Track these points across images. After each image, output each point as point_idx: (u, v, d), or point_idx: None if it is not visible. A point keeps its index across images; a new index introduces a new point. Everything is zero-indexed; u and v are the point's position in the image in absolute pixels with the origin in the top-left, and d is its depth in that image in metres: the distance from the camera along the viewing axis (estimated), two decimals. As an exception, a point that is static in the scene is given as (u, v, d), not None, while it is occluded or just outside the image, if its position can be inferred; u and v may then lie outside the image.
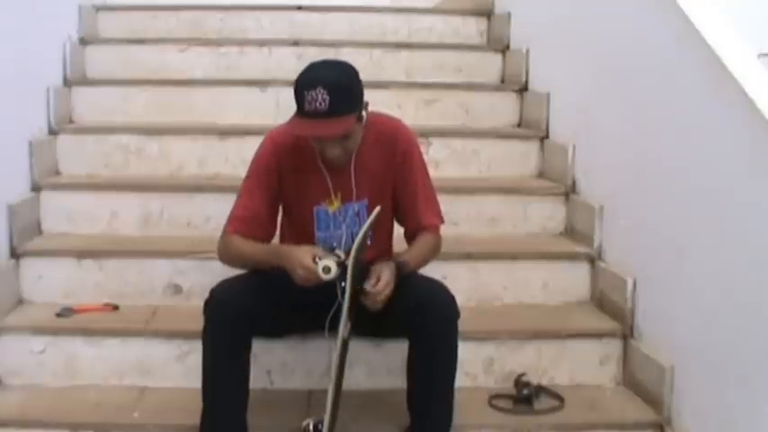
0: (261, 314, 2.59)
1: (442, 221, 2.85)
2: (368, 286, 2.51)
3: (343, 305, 2.47)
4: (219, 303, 2.57)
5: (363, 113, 2.61)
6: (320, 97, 2.45)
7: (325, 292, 2.52)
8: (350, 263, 2.44)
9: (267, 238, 2.77)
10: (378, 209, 2.57)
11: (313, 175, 2.73)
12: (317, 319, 2.67)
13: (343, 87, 2.51)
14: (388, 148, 2.75)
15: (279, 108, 3.77)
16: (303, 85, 2.51)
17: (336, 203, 2.73)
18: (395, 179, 2.77)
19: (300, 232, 2.77)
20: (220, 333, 2.55)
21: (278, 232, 2.86)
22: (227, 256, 2.77)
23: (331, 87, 2.46)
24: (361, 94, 2.60)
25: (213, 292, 2.62)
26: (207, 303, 2.59)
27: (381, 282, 2.51)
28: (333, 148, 2.59)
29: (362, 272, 2.58)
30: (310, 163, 2.71)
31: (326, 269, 2.45)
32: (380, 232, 2.79)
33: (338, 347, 2.50)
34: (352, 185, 2.72)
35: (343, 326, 2.49)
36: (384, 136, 2.76)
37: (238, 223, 2.73)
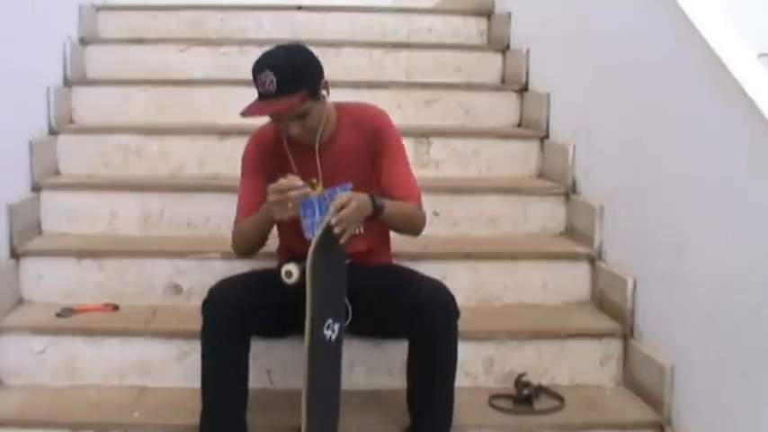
0: (259, 313, 2.59)
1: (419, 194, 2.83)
2: (333, 218, 2.49)
3: (308, 298, 2.45)
4: (217, 303, 2.58)
5: (323, 92, 2.69)
6: (268, 79, 2.60)
7: None
8: (308, 263, 2.44)
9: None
10: (338, 189, 2.58)
11: (295, 163, 2.75)
12: None
13: (288, 67, 2.61)
14: (365, 128, 2.80)
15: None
16: (254, 69, 2.66)
17: (319, 188, 2.72)
18: (375, 156, 2.77)
19: (291, 221, 2.76)
20: (219, 333, 2.55)
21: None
22: (238, 244, 2.81)
23: (276, 69, 2.60)
24: (314, 74, 2.68)
25: (211, 291, 2.62)
26: (205, 303, 2.60)
27: (346, 209, 2.48)
28: (292, 127, 2.66)
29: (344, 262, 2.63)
30: (292, 152, 2.75)
31: (288, 274, 2.48)
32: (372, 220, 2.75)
33: (306, 345, 2.47)
34: (334, 170, 2.73)
35: (308, 322, 2.46)
36: (360, 118, 2.82)
37: (242, 216, 2.78)
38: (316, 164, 2.73)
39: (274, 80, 2.59)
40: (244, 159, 2.86)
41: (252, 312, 2.57)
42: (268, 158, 2.80)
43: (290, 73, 2.60)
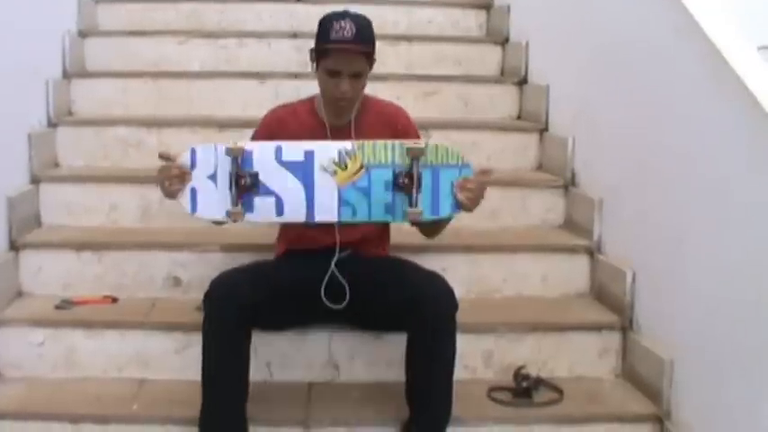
0: (260, 305, 2.60)
1: None
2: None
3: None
4: (219, 296, 2.58)
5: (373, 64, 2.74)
6: (348, 26, 2.64)
7: (323, 270, 2.64)
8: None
9: None
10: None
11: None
12: (316, 309, 2.70)
13: (367, 23, 2.71)
14: (389, 123, 2.82)
15: (278, 100, 3.73)
16: (332, 17, 2.69)
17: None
18: None
19: None
20: (220, 325, 2.56)
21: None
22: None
23: (356, 20, 2.67)
24: (374, 41, 2.73)
25: (212, 284, 2.63)
26: (206, 296, 2.60)
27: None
28: (344, 83, 2.65)
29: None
30: (310, 136, 2.71)
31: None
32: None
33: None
34: None
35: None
36: (385, 113, 2.86)
37: None
38: (350, 136, 2.72)
39: (354, 28, 2.63)
40: (258, 129, 2.85)
41: (253, 305, 2.58)
42: (288, 133, 2.74)
43: (366, 26, 2.70)
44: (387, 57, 4.41)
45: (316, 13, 4.70)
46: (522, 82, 4.35)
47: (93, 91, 4.13)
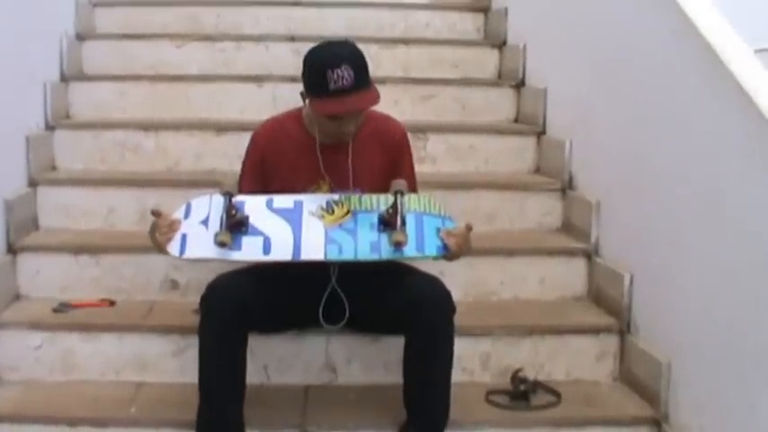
0: (257, 308, 2.59)
1: None
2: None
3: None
4: (216, 299, 2.57)
5: None
6: (345, 74, 2.51)
7: (322, 284, 2.63)
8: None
9: None
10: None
11: (303, 161, 2.74)
12: (313, 312, 2.70)
13: (363, 61, 2.59)
14: (387, 140, 2.80)
15: (275, 103, 3.77)
16: (326, 64, 2.54)
17: (325, 188, 2.72)
18: (390, 169, 2.76)
19: None
20: (216, 328, 2.55)
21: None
22: None
23: (353, 63, 2.54)
24: (368, 67, 2.65)
25: (209, 288, 2.62)
26: (203, 299, 2.60)
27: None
28: (348, 124, 2.64)
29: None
30: (300, 151, 2.73)
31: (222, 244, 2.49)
32: None
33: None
34: (349, 174, 2.72)
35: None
36: (383, 130, 2.82)
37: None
38: (347, 163, 2.72)
39: (352, 74, 2.52)
40: (245, 155, 2.84)
41: (250, 308, 2.57)
42: (267, 155, 2.77)
43: (360, 59, 2.59)
44: (384, 60, 4.42)
45: (313, 16, 4.77)
46: (520, 85, 4.35)
47: (91, 94, 4.13)
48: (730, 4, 2.80)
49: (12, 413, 2.78)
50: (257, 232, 2.55)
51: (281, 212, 2.58)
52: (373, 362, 3.01)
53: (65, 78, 4.11)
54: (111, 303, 3.20)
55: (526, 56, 4.35)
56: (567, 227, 3.65)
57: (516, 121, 4.33)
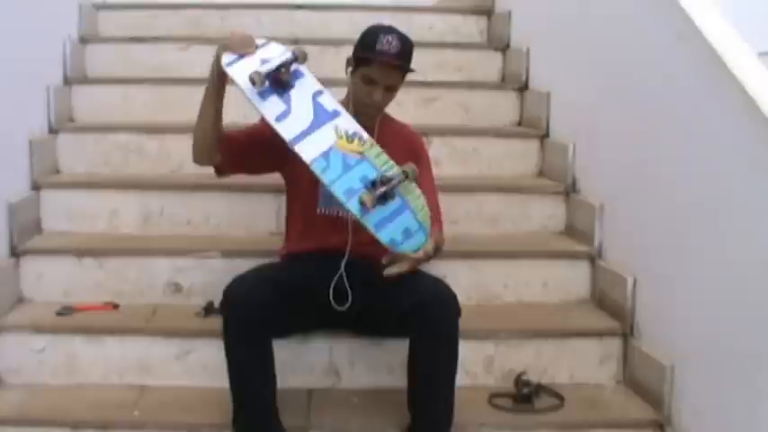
0: (275, 308, 2.60)
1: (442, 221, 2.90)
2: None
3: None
4: (237, 296, 2.57)
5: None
6: (394, 42, 2.73)
7: (332, 269, 2.70)
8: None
9: (227, 151, 2.81)
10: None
11: None
12: (322, 310, 2.74)
13: (410, 47, 2.80)
14: (406, 143, 2.93)
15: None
16: (380, 31, 2.77)
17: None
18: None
19: (305, 190, 2.82)
20: (243, 332, 2.55)
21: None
22: (195, 137, 2.78)
23: (403, 41, 2.76)
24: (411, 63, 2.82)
25: (229, 288, 2.61)
26: (225, 301, 2.59)
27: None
28: (378, 92, 2.77)
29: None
30: None
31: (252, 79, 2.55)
32: None
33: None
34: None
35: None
36: (402, 132, 2.97)
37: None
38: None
39: (399, 45, 2.73)
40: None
41: (270, 309, 2.58)
42: None
43: (410, 46, 2.79)
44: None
45: (316, 18, 4.76)
46: (523, 88, 4.35)
47: (94, 97, 4.13)
48: (734, 8, 2.81)
49: (15, 416, 2.79)
50: (287, 101, 2.63)
51: (317, 106, 2.66)
52: (377, 365, 3.01)
53: (68, 82, 4.11)
54: (115, 306, 3.20)
55: (530, 59, 4.35)
56: (570, 230, 3.65)
57: (520, 124, 4.32)
